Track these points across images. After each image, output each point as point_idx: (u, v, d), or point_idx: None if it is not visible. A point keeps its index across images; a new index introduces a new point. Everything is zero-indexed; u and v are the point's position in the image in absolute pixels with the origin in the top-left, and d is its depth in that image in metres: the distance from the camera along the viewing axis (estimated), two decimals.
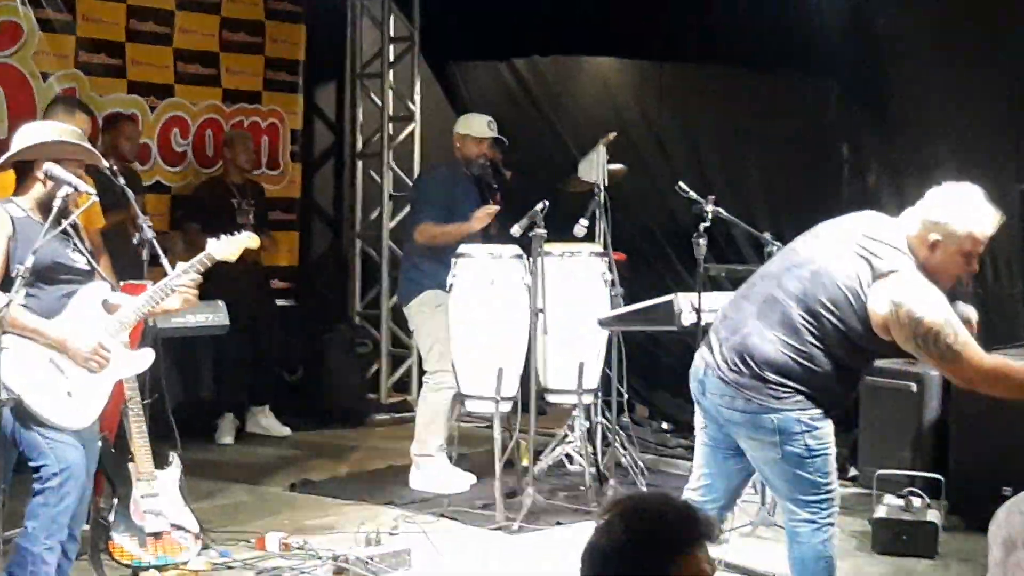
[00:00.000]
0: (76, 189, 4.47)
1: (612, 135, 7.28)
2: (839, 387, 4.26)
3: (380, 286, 9.52)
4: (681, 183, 5.81)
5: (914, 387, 6.76)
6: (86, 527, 5.09)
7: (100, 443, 4.80)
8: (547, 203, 6.44)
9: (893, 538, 5.97)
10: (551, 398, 7.12)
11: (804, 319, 4.18)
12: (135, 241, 5.25)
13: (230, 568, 5.60)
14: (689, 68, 7.76)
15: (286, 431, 8.53)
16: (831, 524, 4.33)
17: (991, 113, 6.65)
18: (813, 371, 4.18)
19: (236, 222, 8.11)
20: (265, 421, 8.52)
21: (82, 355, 4.51)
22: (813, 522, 4.30)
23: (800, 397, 4.19)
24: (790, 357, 4.18)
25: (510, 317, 6.64)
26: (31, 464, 4.50)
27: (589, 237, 6.92)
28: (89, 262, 4.68)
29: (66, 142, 4.59)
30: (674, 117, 8.21)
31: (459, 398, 6.91)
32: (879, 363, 6.97)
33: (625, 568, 2.30)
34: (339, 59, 9.63)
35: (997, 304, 6.89)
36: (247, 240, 5.03)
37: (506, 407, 6.74)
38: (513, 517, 6.30)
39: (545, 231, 6.43)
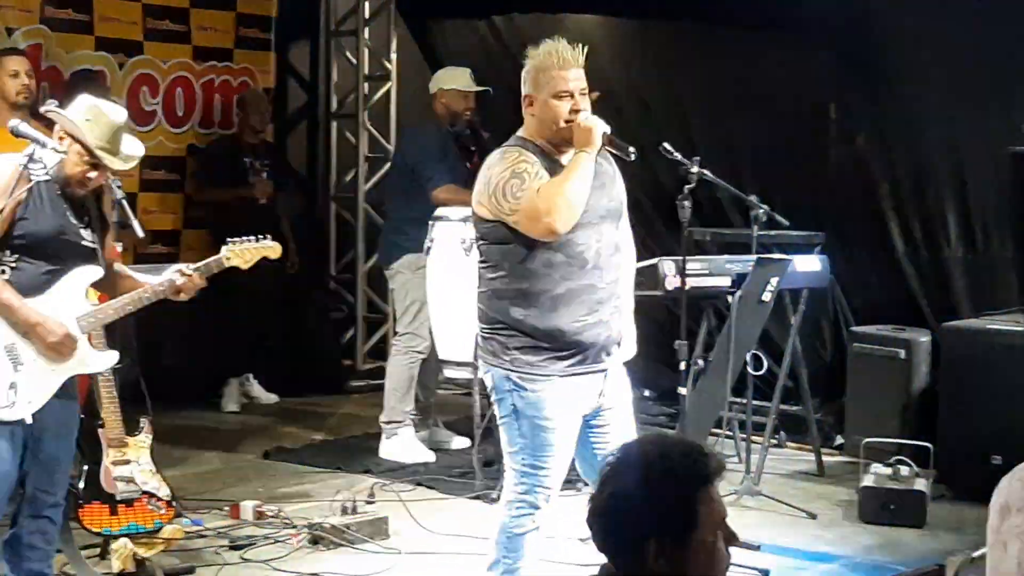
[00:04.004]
0: (44, 146, 4.28)
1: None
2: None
3: (355, 250, 9.36)
4: (665, 144, 5.67)
5: (903, 354, 6.70)
6: None
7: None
8: None
9: (880, 507, 5.90)
10: None
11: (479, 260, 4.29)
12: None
13: (203, 536, 5.51)
14: (674, 27, 7.61)
15: (273, 398, 8.43)
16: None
17: (982, 74, 6.54)
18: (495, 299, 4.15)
19: (248, 181, 8.04)
20: (252, 389, 8.41)
21: (49, 340, 4.29)
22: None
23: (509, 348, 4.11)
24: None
25: None
26: None
27: None
28: (94, 241, 4.46)
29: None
30: (658, 77, 8.07)
31: (438, 364, 6.81)
32: (867, 330, 6.94)
33: (653, 503, 2.34)
34: (313, 16, 9.43)
35: (987, 268, 6.81)
36: (266, 249, 4.65)
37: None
38: (492, 486, 6.20)
39: None
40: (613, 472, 2.39)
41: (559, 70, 4.12)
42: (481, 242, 4.22)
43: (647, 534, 2.33)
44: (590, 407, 4.21)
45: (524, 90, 4.18)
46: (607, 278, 4.16)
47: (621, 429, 4.25)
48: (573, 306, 4.09)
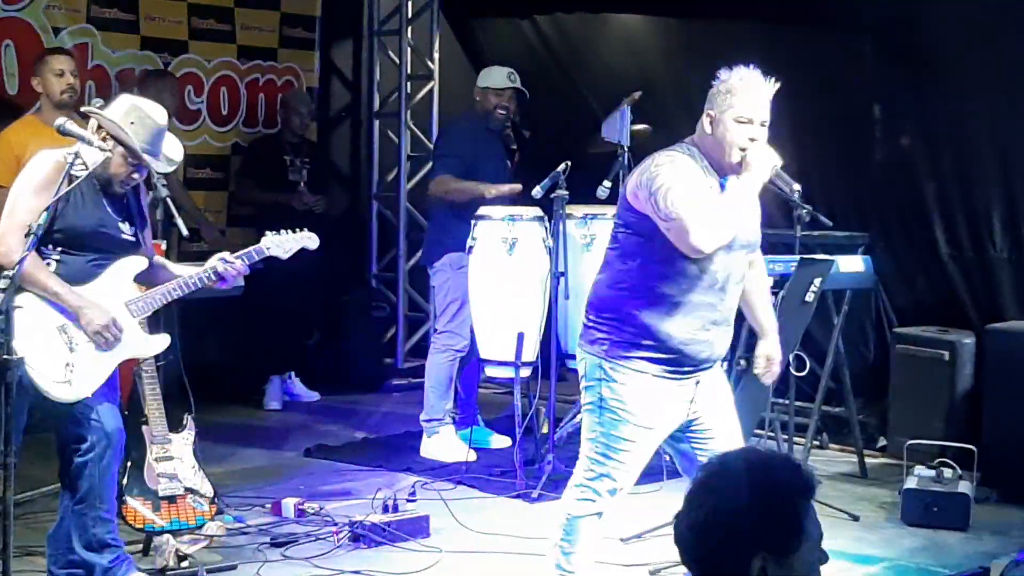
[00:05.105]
0: (90, 144, 4.33)
1: (636, 95, 7.13)
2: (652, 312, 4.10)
3: (397, 248, 9.39)
4: None
5: (946, 355, 6.65)
6: None
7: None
8: (569, 164, 6.31)
9: (924, 510, 5.86)
10: (572, 364, 6.99)
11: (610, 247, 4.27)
12: (148, 200, 5.12)
13: (244, 533, 5.54)
14: (717, 25, 7.58)
15: (315, 396, 8.47)
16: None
17: None
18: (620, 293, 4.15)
19: (288, 180, 8.08)
20: (293, 387, 8.45)
21: (93, 327, 4.40)
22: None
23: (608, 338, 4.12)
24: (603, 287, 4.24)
25: (530, 281, 6.54)
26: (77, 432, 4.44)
27: (612, 199, 6.77)
28: (136, 233, 4.57)
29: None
30: (701, 76, 7.99)
31: (480, 363, 6.83)
32: (911, 331, 6.89)
33: (763, 517, 2.27)
34: (356, 15, 9.48)
35: None
36: (304, 239, 4.87)
37: (526, 373, 6.64)
38: (533, 485, 6.21)
39: (567, 193, 6.31)
40: (710, 487, 2.31)
41: (746, 95, 4.10)
42: (622, 230, 4.19)
43: (754, 550, 2.25)
44: (680, 418, 4.20)
45: (707, 107, 4.15)
46: (728, 303, 4.18)
47: (726, 434, 4.25)
48: (690, 318, 4.09)
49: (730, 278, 4.16)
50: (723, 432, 4.25)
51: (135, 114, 4.43)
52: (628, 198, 4.15)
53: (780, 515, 2.26)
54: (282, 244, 4.80)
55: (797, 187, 4.22)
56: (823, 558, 2.35)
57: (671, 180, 4.00)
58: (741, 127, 4.08)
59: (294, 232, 4.83)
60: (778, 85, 4.14)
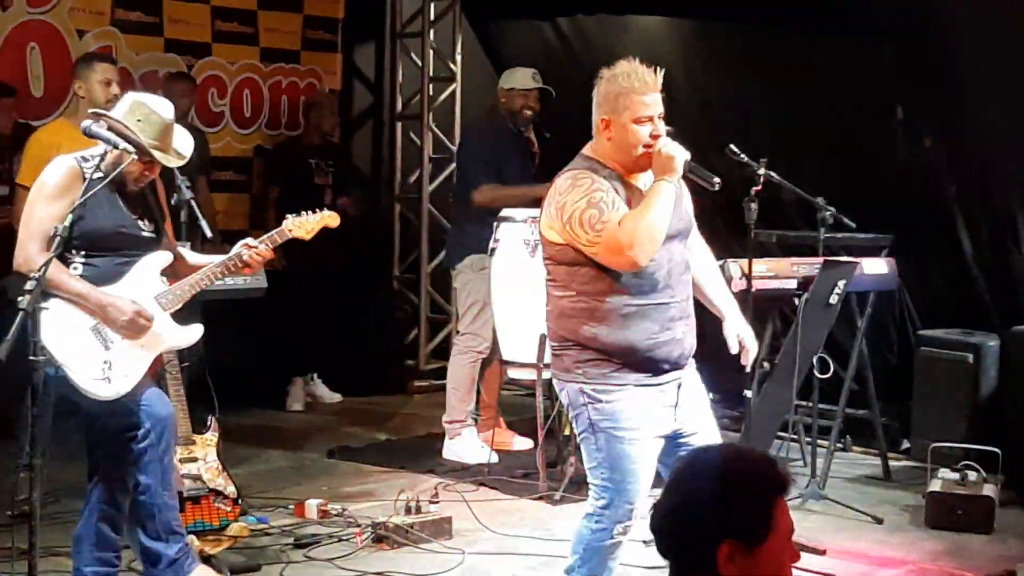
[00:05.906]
0: (115, 147, 4.34)
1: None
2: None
3: (419, 250, 9.40)
4: (732, 146, 5.66)
5: (970, 358, 6.63)
6: None
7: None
8: None
9: (948, 513, 5.84)
10: None
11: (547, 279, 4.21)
12: (172, 203, 5.12)
13: (268, 535, 5.55)
14: (738, 28, 7.56)
15: (337, 397, 8.49)
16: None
17: None
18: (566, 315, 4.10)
19: (314, 183, 8.10)
20: (316, 389, 8.48)
21: (120, 322, 4.39)
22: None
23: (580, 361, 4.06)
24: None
25: None
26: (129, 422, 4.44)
27: None
28: (157, 229, 4.59)
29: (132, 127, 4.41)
30: (722, 79, 8.03)
31: (502, 364, 6.84)
32: (935, 334, 6.87)
33: (732, 504, 2.31)
34: (379, 18, 9.49)
35: None
36: (326, 219, 4.86)
37: (549, 374, 6.62)
38: (555, 487, 6.21)
39: None
40: (686, 476, 2.37)
41: (639, 95, 4.01)
42: (549, 263, 4.16)
43: (722, 537, 2.30)
44: (669, 424, 4.14)
45: (599, 112, 4.07)
46: (679, 296, 4.12)
47: (707, 437, 4.20)
48: (646, 323, 4.04)
49: (672, 272, 4.09)
50: (704, 436, 4.19)
51: (140, 111, 4.43)
52: (543, 233, 4.12)
53: (748, 504, 2.31)
54: (303, 225, 4.79)
55: (717, 180, 4.14)
56: (793, 556, 2.39)
57: (579, 204, 3.95)
58: (641, 127, 4.02)
59: (314, 213, 4.82)
60: (663, 71, 4.06)
